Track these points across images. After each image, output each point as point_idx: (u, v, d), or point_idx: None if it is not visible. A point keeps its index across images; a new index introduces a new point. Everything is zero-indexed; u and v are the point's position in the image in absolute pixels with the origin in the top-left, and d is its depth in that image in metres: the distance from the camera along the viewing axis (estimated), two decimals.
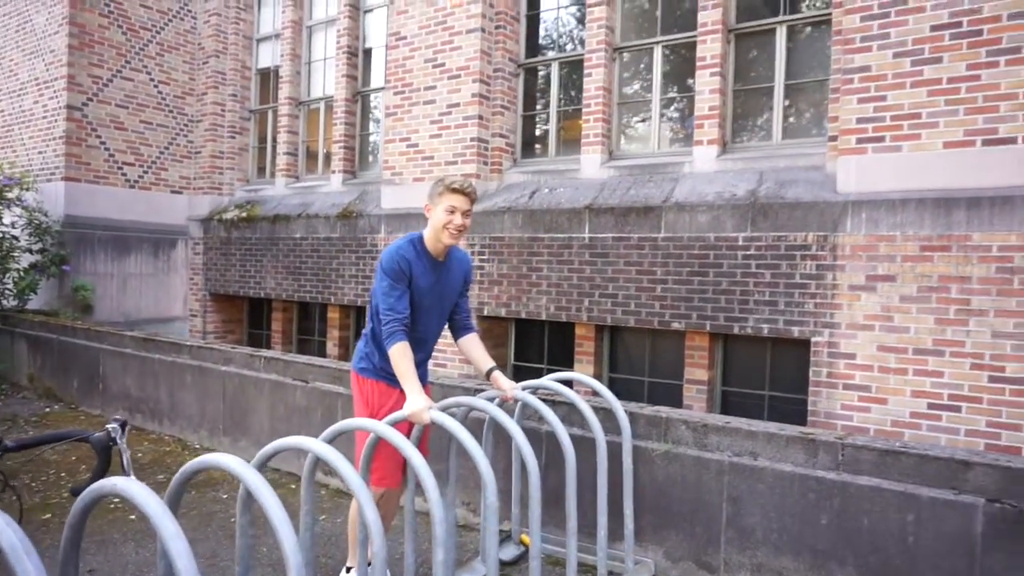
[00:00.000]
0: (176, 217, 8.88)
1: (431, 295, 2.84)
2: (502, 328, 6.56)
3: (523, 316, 6.04)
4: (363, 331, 2.91)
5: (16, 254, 7.43)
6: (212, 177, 9.00)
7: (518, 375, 6.41)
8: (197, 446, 5.22)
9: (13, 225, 7.39)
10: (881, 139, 4.44)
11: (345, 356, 7.55)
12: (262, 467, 2.09)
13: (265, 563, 3.37)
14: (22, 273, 7.49)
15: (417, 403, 2.50)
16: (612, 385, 6.02)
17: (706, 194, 5.16)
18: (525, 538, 3.53)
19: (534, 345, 6.51)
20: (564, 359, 6.17)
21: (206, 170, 8.99)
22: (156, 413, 5.59)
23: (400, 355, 2.60)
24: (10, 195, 7.34)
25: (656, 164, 5.71)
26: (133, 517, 3.87)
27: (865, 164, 4.49)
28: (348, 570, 3.01)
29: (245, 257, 8.31)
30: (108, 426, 1.87)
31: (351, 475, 1.88)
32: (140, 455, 4.98)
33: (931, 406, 4.24)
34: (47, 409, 6.27)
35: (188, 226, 9.00)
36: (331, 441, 2.31)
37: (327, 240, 7.43)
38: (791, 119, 5.35)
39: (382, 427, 2.26)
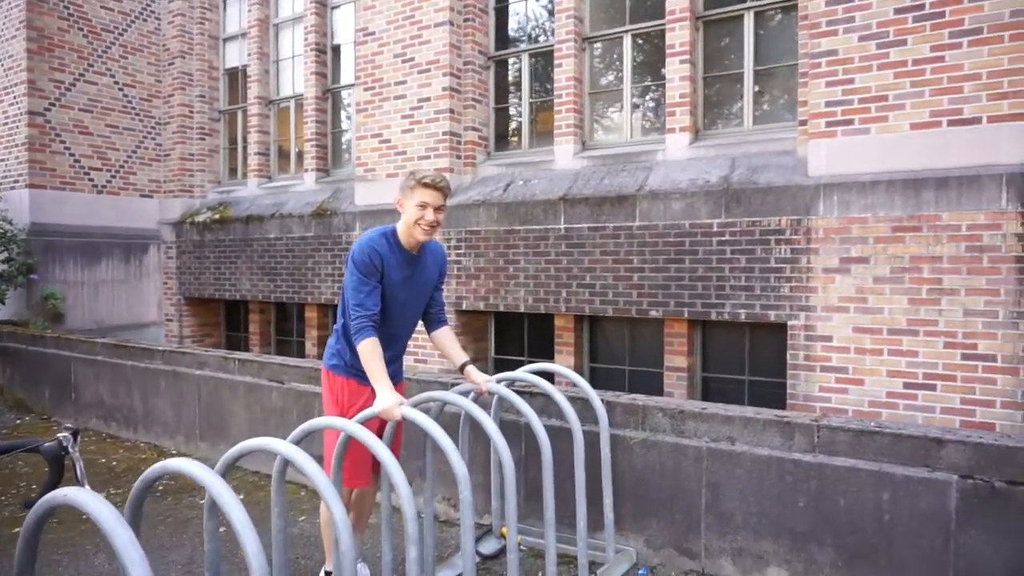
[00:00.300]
0: (147, 221, 8.73)
1: (405, 289, 2.78)
2: (481, 322, 6.53)
3: (502, 309, 6.01)
4: (334, 327, 2.85)
5: None
6: (183, 180, 8.86)
7: (499, 369, 6.38)
8: (173, 452, 5.14)
9: None
10: (850, 122, 4.46)
11: None
12: (228, 470, 2.04)
13: (242, 567, 3.32)
14: None
15: (387, 400, 2.45)
16: (593, 375, 6.02)
17: (679, 182, 5.15)
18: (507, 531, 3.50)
19: (514, 338, 6.48)
20: (545, 351, 6.15)
21: (176, 173, 8.85)
22: (131, 420, 5.49)
23: (369, 352, 2.55)
24: None
25: (629, 153, 5.70)
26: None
27: (835, 147, 4.50)
28: (328, 574, 2.97)
29: (219, 259, 8.19)
30: (59, 435, 1.80)
31: (317, 474, 1.84)
32: (115, 463, 4.89)
33: (907, 385, 4.28)
34: (18, 421, 6.14)
35: (160, 230, 8.85)
36: (300, 441, 2.27)
37: (302, 239, 7.34)
38: (762, 105, 5.36)
39: (351, 425, 2.22)
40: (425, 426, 2.32)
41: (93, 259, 8.19)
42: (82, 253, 8.09)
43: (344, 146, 7.91)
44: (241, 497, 4.25)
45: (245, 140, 8.64)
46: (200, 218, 8.44)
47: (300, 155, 8.10)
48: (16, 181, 7.81)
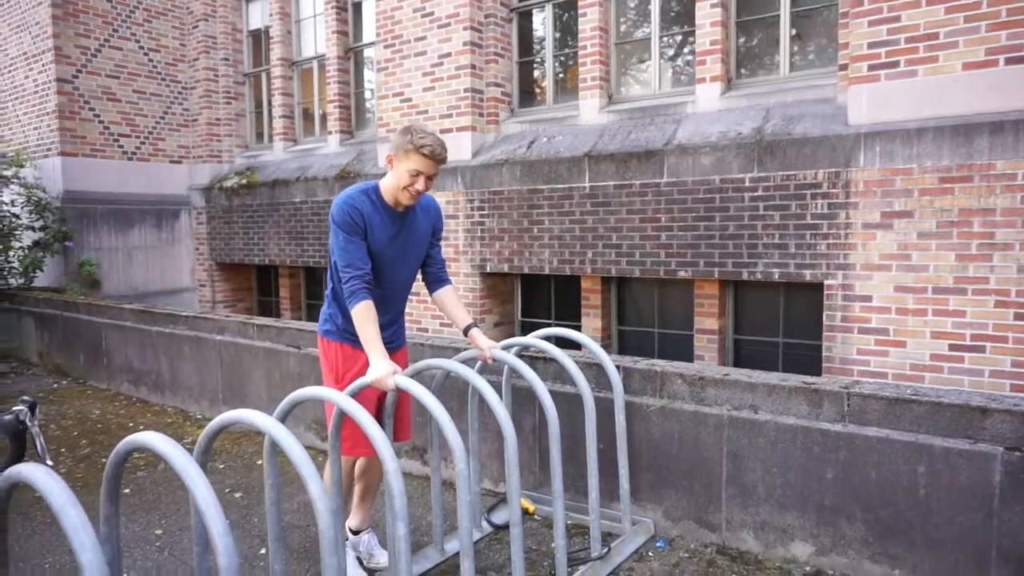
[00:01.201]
0: (177, 187, 8.77)
1: (394, 248, 2.60)
2: (507, 285, 6.39)
3: (526, 271, 5.86)
4: (325, 292, 2.72)
5: (18, 232, 7.39)
6: (211, 145, 8.85)
7: (526, 332, 6.25)
8: (199, 416, 5.18)
9: (12, 203, 7.34)
10: (895, 64, 4.11)
11: None
12: (209, 444, 1.96)
13: (255, 534, 3.30)
14: (25, 251, 7.46)
15: (379, 369, 2.32)
16: (621, 338, 5.85)
17: (710, 134, 4.87)
18: (525, 503, 3.41)
19: (541, 301, 6.34)
20: (571, 314, 6.00)
21: (204, 138, 8.83)
22: (158, 385, 5.55)
23: (363, 316, 2.41)
24: (7, 172, 7.26)
25: (657, 106, 5.42)
26: (127, 491, 3.82)
27: (878, 92, 4.17)
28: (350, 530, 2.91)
29: (248, 224, 8.20)
30: (15, 408, 1.73)
31: (293, 449, 1.74)
32: (142, 427, 4.94)
33: (953, 347, 4.01)
34: (55, 385, 6.28)
35: (190, 196, 8.89)
36: (287, 413, 2.18)
37: (327, 203, 7.26)
38: (799, 50, 5.01)
39: (339, 397, 2.11)
40: (419, 396, 2.20)
41: (126, 226, 8.27)
42: (115, 220, 8.18)
43: (367, 107, 7.76)
44: (259, 463, 4.26)
45: (270, 103, 8.56)
46: (228, 183, 8.43)
47: (324, 117, 7.99)
48: (49, 149, 7.89)
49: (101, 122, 8.05)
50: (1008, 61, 3.76)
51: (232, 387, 4.92)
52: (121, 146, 8.24)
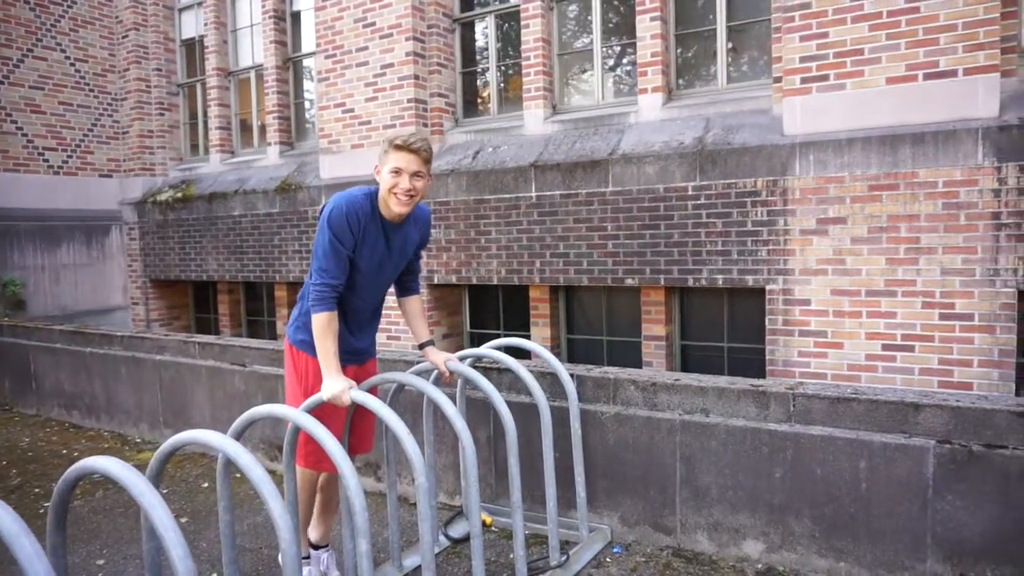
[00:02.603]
0: (107, 202, 8.43)
1: (382, 259, 2.54)
2: (455, 296, 6.38)
3: (474, 282, 5.86)
4: (300, 293, 2.61)
5: None
6: (143, 158, 8.55)
7: (475, 343, 6.26)
8: (138, 440, 4.98)
9: None
10: (825, 78, 4.31)
11: None
12: (162, 466, 1.90)
13: (204, 559, 3.20)
14: None
15: (333, 386, 2.28)
16: (571, 346, 5.91)
17: (653, 144, 4.99)
18: (483, 515, 3.40)
19: (490, 311, 6.35)
20: (521, 324, 6.03)
21: (135, 151, 8.53)
22: (93, 409, 5.32)
23: (325, 326, 2.34)
24: None
25: (601, 116, 5.52)
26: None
27: (810, 104, 4.36)
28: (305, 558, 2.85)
29: (184, 239, 7.95)
30: None
31: (252, 468, 1.70)
32: (76, 455, 4.72)
33: (885, 347, 4.21)
34: None
35: (121, 211, 8.56)
36: (242, 432, 2.13)
37: (267, 216, 7.12)
38: (736, 63, 5.20)
39: (295, 413, 2.08)
40: (376, 410, 2.18)
41: (53, 243, 7.90)
42: (41, 237, 7.81)
43: (308, 118, 7.64)
44: (204, 486, 4.12)
45: (205, 114, 8.33)
46: (162, 197, 8.16)
47: (263, 128, 7.83)
48: None
49: (24, 135, 7.68)
50: (926, 76, 3.99)
51: (173, 409, 4.75)
52: (46, 160, 7.88)
